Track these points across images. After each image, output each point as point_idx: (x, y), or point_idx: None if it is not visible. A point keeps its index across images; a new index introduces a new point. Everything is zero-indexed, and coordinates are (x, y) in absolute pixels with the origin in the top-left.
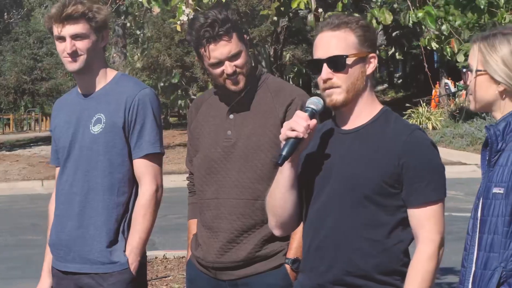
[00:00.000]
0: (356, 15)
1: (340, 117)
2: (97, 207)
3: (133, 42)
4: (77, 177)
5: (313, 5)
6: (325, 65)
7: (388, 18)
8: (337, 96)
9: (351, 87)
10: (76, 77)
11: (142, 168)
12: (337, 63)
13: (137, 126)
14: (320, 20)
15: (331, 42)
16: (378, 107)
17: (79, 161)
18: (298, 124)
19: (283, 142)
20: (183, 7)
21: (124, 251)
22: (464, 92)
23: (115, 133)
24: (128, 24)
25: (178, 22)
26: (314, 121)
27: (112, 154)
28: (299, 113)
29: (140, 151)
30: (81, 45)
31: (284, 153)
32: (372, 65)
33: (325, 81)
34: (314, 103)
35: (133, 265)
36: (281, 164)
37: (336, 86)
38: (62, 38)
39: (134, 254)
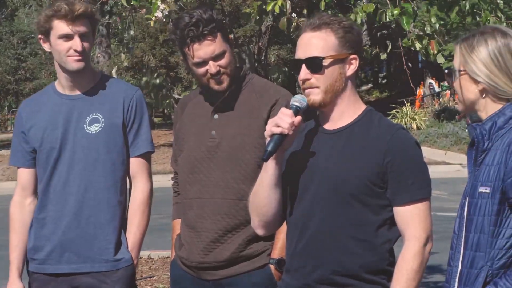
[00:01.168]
0: (340, 15)
1: (323, 117)
2: (98, 205)
3: (118, 42)
4: (72, 177)
5: (288, 9)
6: (303, 66)
7: (370, 8)
8: (315, 96)
9: (329, 88)
10: (72, 76)
11: (139, 166)
12: (315, 64)
13: (135, 125)
14: (293, 24)
15: (310, 42)
16: (362, 107)
17: (74, 161)
18: (283, 120)
19: (268, 139)
20: (159, 3)
21: (127, 247)
22: (448, 92)
23: (115, 132)
24: (113, 24)
25: (153, 18)
26: (298, 118)
27: (114, 153)
28: (284, 110)
29: (137, 149)
30: (87, 44)
31: (269, 148)
32: (353, 67)
33: (303, 82)
34: (298, 100)
35: (135, 261)
36: (266, 160)
37: (314, 87)
38: (69, 37)
39: (136, 250)
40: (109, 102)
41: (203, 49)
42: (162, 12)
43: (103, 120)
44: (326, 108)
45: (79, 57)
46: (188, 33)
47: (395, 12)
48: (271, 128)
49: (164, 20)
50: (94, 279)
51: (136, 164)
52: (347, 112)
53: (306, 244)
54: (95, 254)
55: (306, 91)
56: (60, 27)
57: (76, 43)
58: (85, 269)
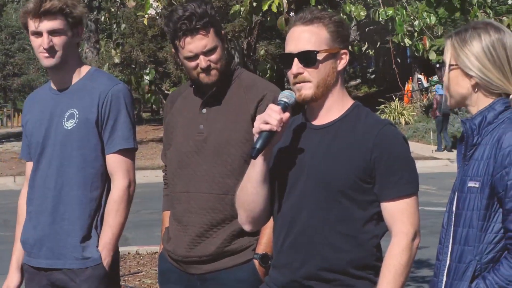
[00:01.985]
0: (330, 10)
1: (310, 113)
2: (70, 202)
3: (107, 37)
4: (51, 173)
5: (285, 8)
6: (296, 60)
7: (362, 13)
8: (307, 90)
9: (322, 83)
10: (51, 72)
11: (115, 163)
12: (308, 58)
13: (110, 121)
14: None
15: (303, 36)
16: (349, 102)
17: (53, 156)
18: (271, 117)
19: (256, 135)
20: (151, 1)
21: (97, 246)
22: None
23: (88, 128)
24: (102, 19)
25: (146, 16)
26: (287, 114)
27: (86, 149)
28: (272, 106)
29: (113, 146)
30: (58, 41)
31: (257, 146)
32: (343, 61)
33: (295, 76)
34: (286, 96)
35: (106, 261)
36: (255, 157)
37: (306, 81)
38: (38, 34)
39: (107, 250)
40: (87, 97)
41: (195, 43)
42: (155, 9)
43: (77, 115)
44: (316, 102)
45: (47, 54)
46: (181, 26)
47: (390, 12)
48: (259, 125)
49: (157, 17)
50: (66, 276)
51: (111, 162)
52: (335, 107)
53: (294, 240)
54: (67, 251)
55: (298, 85)
56: (30, 24)
57: (43, 40)
58: (58, 265)
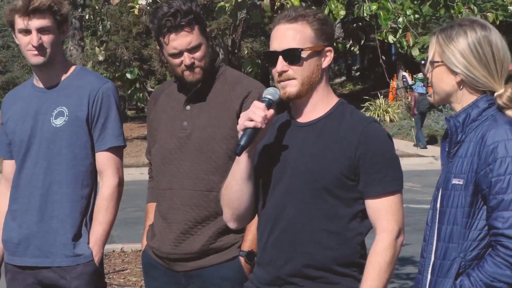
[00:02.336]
0: (314, 8)
1: (295, 110)
2: (60, 200)
3: (91, 35)
4: (37, 171)
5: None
6: (280, 58)
7: (341, 13)
8: (291, 88)
9: (306, 80)
10: (37, 70)
11: (105, 161)
12: (293, 56)
13: (101, 119)
14: (276, 4)
15: (287, 34)
16: (334, 100)
17: (39, 154)
18: (256, 114)
19: (241, 132)
20: None
21: (88, 243)
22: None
23: (78, 126)
24: (87, 17)
25: (137, 6)
26: (271, 111)
27: (76, 147)
28: (256, 103)
29: (103, 144)
30: (47, 38)
31: (242, 143)
32: (328, 59)
33: (280, 74)
34: (271, 93)
35: (97, 257)
36: (239, 154)
37: (291, 78)
38: (27, 31)
39: (98, 246)
40: (76, 95)
41: (179, 40)
42: (146, 0)
43: (67, 113)
44: (300, 100)
45: (36, 52)
46: (166, 23)
47: (374, 7)
48: (244, 122)
49: (148, 7)
50: (55, 273)
51: (102, 159)
52: (320, 104)
53: (278, 237)
54: (56, 249)
55: (282, 83)
56: (18, 22)
57: (33, 38)
58: (47, 264)
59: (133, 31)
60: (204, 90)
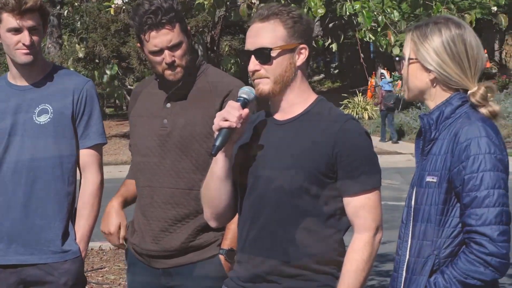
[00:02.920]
0: (293, 5)
1: (274, 107)
2: (46, 197)
3: (69, 32)
4: (20, 168)
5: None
6: (252, 57)
7: (320, 11)
8: (264, 86)
9: (279, 79)
10: (20, 69)
11: (89, 157)
12: (263, 55)
13: (85, 116)
14: (253, 10)
15: (259, 33)
16: (312, 97)
17: (22, 152)
18: (231, 114)
19: (216, 133)
20: None
21: (75, 239)
22: (400, 82)
23: (64, 123)
24: (65, 14)
25: (113, 6)
26: (246, 111)
27: (62, 144)
28: (231, 103)
29: (87, 141)
30: (36, 38)
31: (217, 143)
32: (302, 56)
33: (253, 73)
34: (246, 92)
35: (83, 253)
36: (215, 155)
37: (264, 77)
38: (18, 30)
39: (84, 242)
40: (59, 93)
41: (160, 38)
42: (122, 0)
43: (52, 111)
44: (275, 98)
45: (27, 51)
46: (147, 20)
47: (357, 6)
48: (218, 122)
49: (123, 7)
50: (41, 270)
51: (86, 156)
52: (297, 102)
53: (256, 235)
54: (42, 246)
55: (256, 80)
56: (9, 21)
57: (25, 37)
58: (32, 261)
59: (112, 28)
60: (184, 88)
